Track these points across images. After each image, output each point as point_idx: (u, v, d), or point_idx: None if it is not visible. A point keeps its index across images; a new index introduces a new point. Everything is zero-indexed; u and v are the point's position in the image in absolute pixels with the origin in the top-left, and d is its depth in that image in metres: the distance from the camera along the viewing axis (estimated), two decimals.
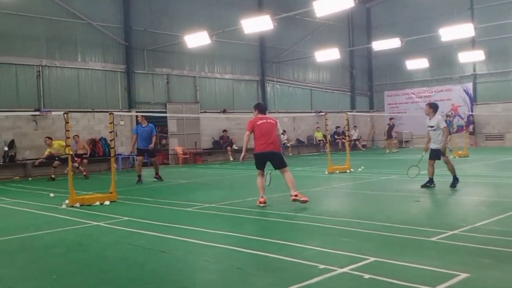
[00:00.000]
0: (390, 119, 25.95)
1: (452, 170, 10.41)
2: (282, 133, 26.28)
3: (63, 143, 13.98)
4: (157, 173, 14.55)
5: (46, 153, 16.71)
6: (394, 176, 13.47)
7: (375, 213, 8.04)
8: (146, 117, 14.62)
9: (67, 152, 10.47)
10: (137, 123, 15.11)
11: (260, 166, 9.09)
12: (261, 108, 9.46)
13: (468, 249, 5.47)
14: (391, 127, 25.33)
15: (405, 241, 5.92)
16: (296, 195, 8.75)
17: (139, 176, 14.06)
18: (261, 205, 8.83)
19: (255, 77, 26.13)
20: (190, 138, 23.13)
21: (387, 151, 24.61)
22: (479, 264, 4.84)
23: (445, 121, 10.94)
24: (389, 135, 25.23)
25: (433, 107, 10.65)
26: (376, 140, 31.56)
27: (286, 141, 26.84)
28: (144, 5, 21.83)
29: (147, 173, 15.81)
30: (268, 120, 9.17)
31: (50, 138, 16.69)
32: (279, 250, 5.58)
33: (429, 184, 10.53)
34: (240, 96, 25.41)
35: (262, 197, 8.96)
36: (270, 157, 9.02)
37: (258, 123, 9.09)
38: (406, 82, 30.32)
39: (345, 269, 4.75)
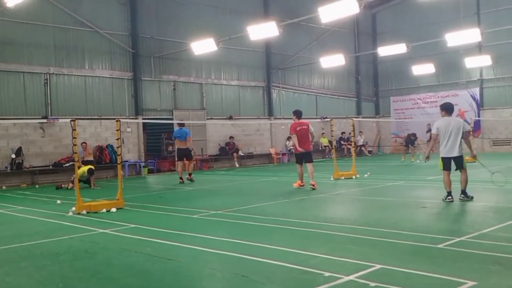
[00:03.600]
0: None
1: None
2: (287, 139, 26.73)
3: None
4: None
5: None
6: (400, 182, 13.42)
7: (382, 219, 8.01)
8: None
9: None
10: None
11: (299, 161, 12.57)
12: (298, 114, 12.59)
13: (476, 256, 5.43)
14: (412, 133, 22.97)
15: (412, 248, 5.89)
16: (313, 185, 12.02)
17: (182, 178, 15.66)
18: (299, 186, 12.22)
19: (261, 84, 26.17)
20: (196, 145, 23.15)
21: (402, 158, 22.06)
22: (487, 272, 4.81)
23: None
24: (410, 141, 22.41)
25: (444, 109, 9.55)
26: (382, 146, 31.46)
27: (292, 147, 26.79)
28: (151, 13, 21.95)
29: (153, 180, 15.83)
30: (303, 126, 12.37)
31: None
32: (284, 258, 5.57)
33: (449, 197, 9.38)
34: (246, 102, 25.45)
35: (300, 182, 12.32)
36: (305, 155, 12.45)
37: (298, 129, 12.31)
38: (412, 87, 30.21)
39: (351, 277, 4.74)
